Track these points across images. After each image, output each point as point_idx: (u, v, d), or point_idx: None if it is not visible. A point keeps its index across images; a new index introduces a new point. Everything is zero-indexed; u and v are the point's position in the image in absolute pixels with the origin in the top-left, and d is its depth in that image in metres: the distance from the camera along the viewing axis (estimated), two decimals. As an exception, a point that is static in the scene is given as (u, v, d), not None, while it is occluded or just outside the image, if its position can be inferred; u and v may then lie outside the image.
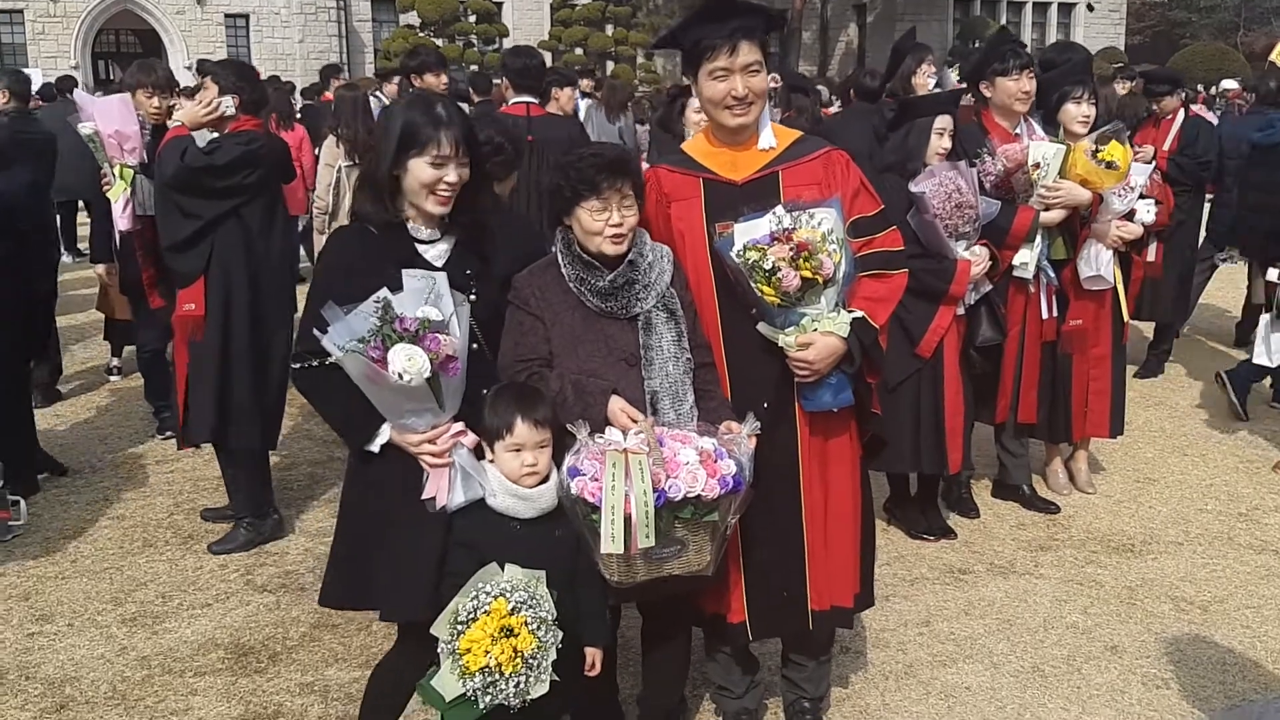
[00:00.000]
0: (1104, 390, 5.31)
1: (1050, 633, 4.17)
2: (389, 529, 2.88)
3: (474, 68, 26.29)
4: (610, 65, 33.09)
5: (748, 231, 3.01)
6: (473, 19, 33.33)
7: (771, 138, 3.19)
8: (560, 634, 2.67)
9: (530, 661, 2.61)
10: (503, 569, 2.81)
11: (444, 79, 7.14)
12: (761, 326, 3.07)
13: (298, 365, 2.87)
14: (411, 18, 33.17)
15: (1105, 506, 5.38)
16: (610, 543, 2.70)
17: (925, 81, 5.88)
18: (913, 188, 4.41)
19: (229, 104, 4.79)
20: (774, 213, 3.00)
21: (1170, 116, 7.12)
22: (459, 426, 2.83)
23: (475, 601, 2.62)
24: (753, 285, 2.97)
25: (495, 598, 2.63)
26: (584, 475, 2.74)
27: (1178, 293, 7.50)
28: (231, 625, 4.21)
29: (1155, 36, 48.61)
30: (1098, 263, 4.93)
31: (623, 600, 3.15)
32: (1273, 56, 16.22)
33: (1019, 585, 4.55)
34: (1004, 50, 4.87)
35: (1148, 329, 7.94)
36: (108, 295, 6.76)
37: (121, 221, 5.27)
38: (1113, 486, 5.63)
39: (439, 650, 2.66)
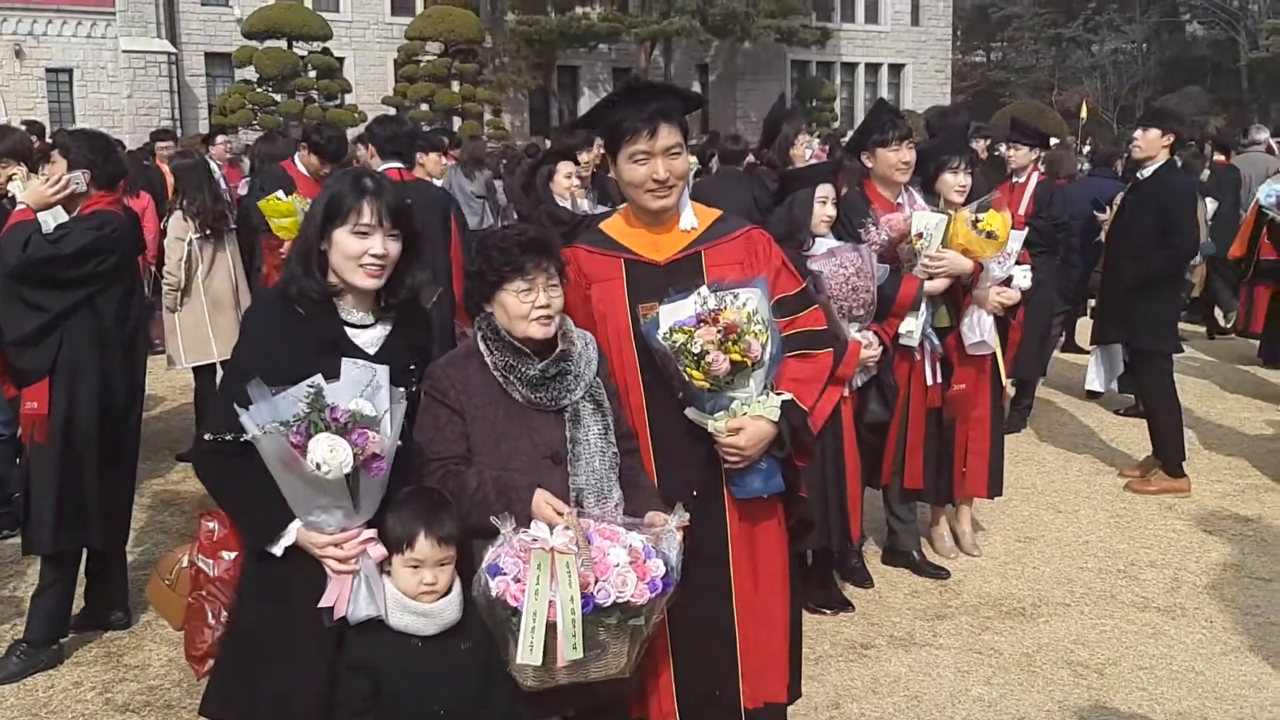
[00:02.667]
0: (983, 451, 5.39)
1: (959, 707, 4.13)
2: (282, 638, 2.64)
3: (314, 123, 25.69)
4: (457, 121, 32.87)
5: (673, 313, 2.92)
6: (313, 74, 32.64)
7: (693, 218, 3.12)
8: None
9: None
10: (402, 695, 2.61)
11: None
12: (690, 411, 2.97)
13: (209, 438, 2.63)
14: (249, 72, 32.26)
15: (992, 569, 5.42)
16: (528, 653, 2.52)
17: (803, 152, 5.92)
18: (812, 264, 4.38)
19: (79, 180, 4.35)
20: (699, 293, 2.92)
21: (1025, 180, 7.37)
22: (370, 533, 2.62)
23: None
24: (681, 369, 2.86)
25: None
26: (505, 575, 2.55)
27: (1037, 350, 7.73)
28: (89, 755, 3.80)
29: (977, 95, 51.37)
30: (981, 328, 5.00)
31: (536, 715, 2.94)
32: (1082, 113, 17.16)
33: (921, 658, 4.51)
34: (884, 121, 4.93)
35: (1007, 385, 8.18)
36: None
37: None
38: (995, 547, 5.70)
39: None
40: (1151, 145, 6.33)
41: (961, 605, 5.01)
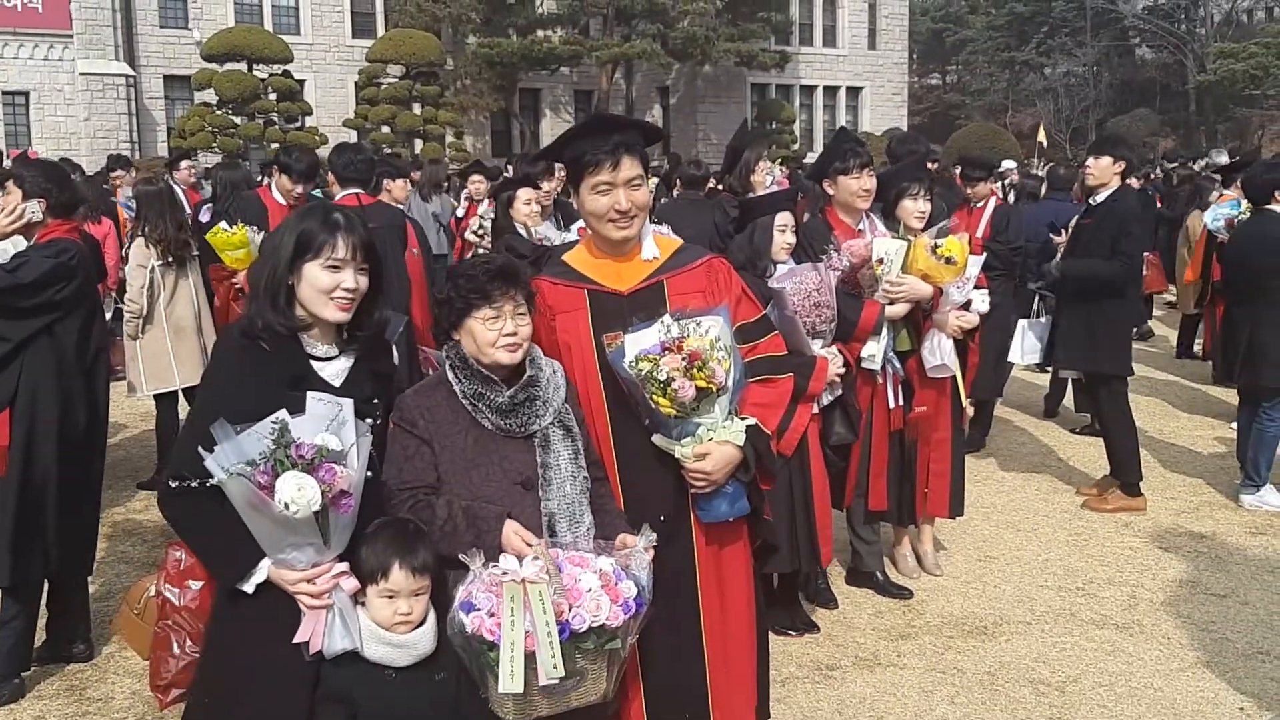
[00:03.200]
0: (944, 472, 5.47)
1: (923, 727, 4.18)
2: (257, 672, 2.63)
3: (275, 146, 25.59)
4: (419, 144, 32.82)
5: (637, 342, 2.98)
6: (273, 97, 32.45)
7: (654, 248, 3.18)
8: None
9: None
10: (377, 715, 2.62)
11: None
12: (656, 438, 3.02)
13: (174, 484, 2.60)
14: (208, 95, 32.04)
15: (954, 588, 5.50)
16: (509, 681, 2.54)
17: (764, 178, 6.00)
18: (773, 284, 4.46)
19: (35, 209, 4.35)
20: (662, 321, 2.99)
21: (982, 204, 7.51)
22: (341, 567, 2.62)
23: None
24: (648, 397, 2.91)
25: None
26: (479, 610, 2.57)
27: (994, 371, 7.84)
28: (52, 791, 3.76)
29: (934, 117, 52.19)
30: (941, 352, 5.08)
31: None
32: (1040, 137, 17.48)
33: (885, 678, 4.56)
34: (845, 149, 5.02)
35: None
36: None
37: None
38: (957, 567, 5.77)
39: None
40: (1104, 172, 6.50)
41: (925, 625, 5.08)
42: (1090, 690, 4.47)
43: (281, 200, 6.95)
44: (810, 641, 4.89)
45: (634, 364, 2.93)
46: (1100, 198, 6.56)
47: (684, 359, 2.88)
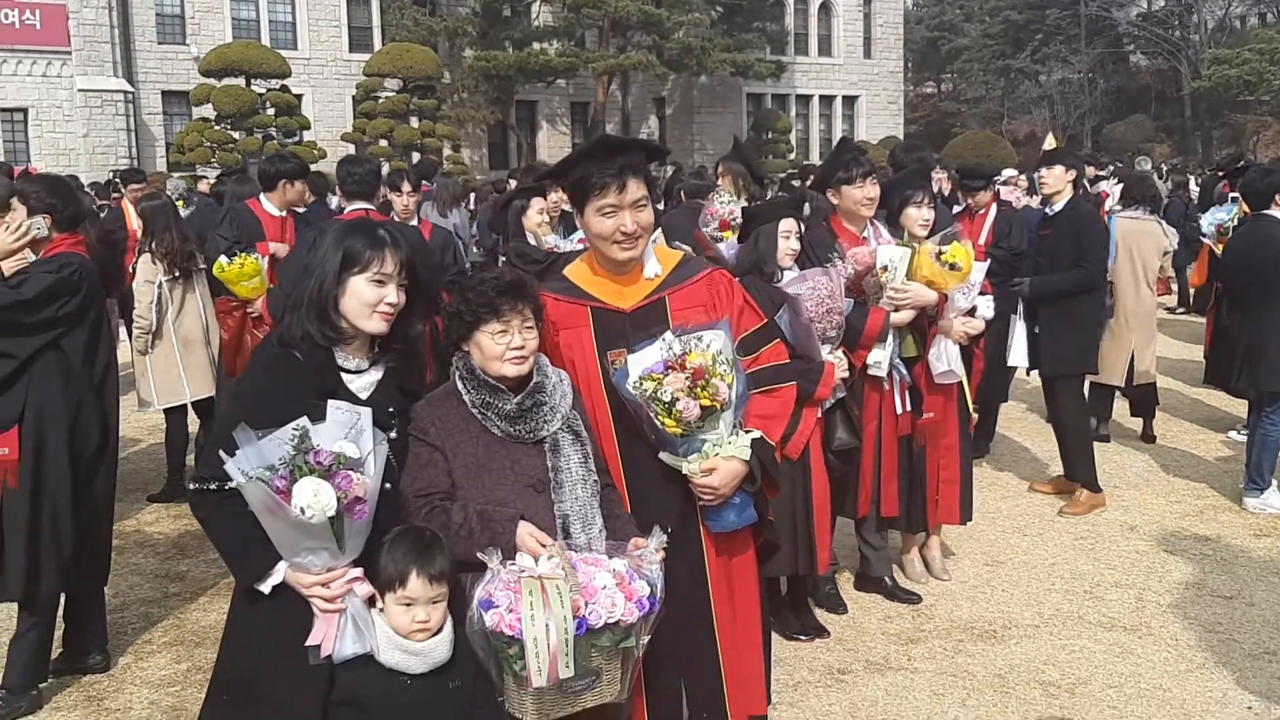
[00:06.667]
0: (954, 478, 5.50)
1: (935, 730, 4.21)
2: (272, 674, 2.68)
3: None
4: (416, 157, 32.88)
5: (640, 361, 3.03)
6: (271, 112, 32.53)
7: (656, 265, 3.23)
8: None
9: None
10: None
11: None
12: (664, 455, 3.07)
13: (195, 487, 2.69)
14: (206, 110, 32.11)
15: (962, 593, 5.53)
16: (537, 676, 2.58)
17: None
18: (788, 289, 4.50)
19: (40, 225, 4.38)
20: (663, 339, 3.03)
21: (984, 211, 7.57)
22: (356, 572, 2.67)
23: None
24: (653, 416, 2.96)
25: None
26: (498, 607, 2.61)
27: (998, 377, 7.88)
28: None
29: (929, 125, 52.31)
30: (948, 358, 5.13)
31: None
32: (1045, 145, 17.52)
33: (897, 681, 4.60)
34: (847, 159, 5.06)
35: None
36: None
37: None
38: (965, 571, 5.81)
39: None
40: (1058, 180, 6.77)
41: (934, 629, 5.11)
42: (1100, 691, 4.50)
43: (275, 213, 7.00)
44: (821, 646, 4.93)
45: (638, 384, 2.97)
46: (1057, 207, 6.80)
47: (687, 378, 2.93)
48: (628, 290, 3.19)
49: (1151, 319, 8.05)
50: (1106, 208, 10.40)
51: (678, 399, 2.91)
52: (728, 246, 5.32)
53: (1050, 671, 4.67)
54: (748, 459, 3.06)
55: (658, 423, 2.96)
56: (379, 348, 2.85)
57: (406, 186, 6.89)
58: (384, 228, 2.83)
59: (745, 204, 5.95)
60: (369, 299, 2.73)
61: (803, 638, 4.96)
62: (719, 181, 6.85)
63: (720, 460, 3.03)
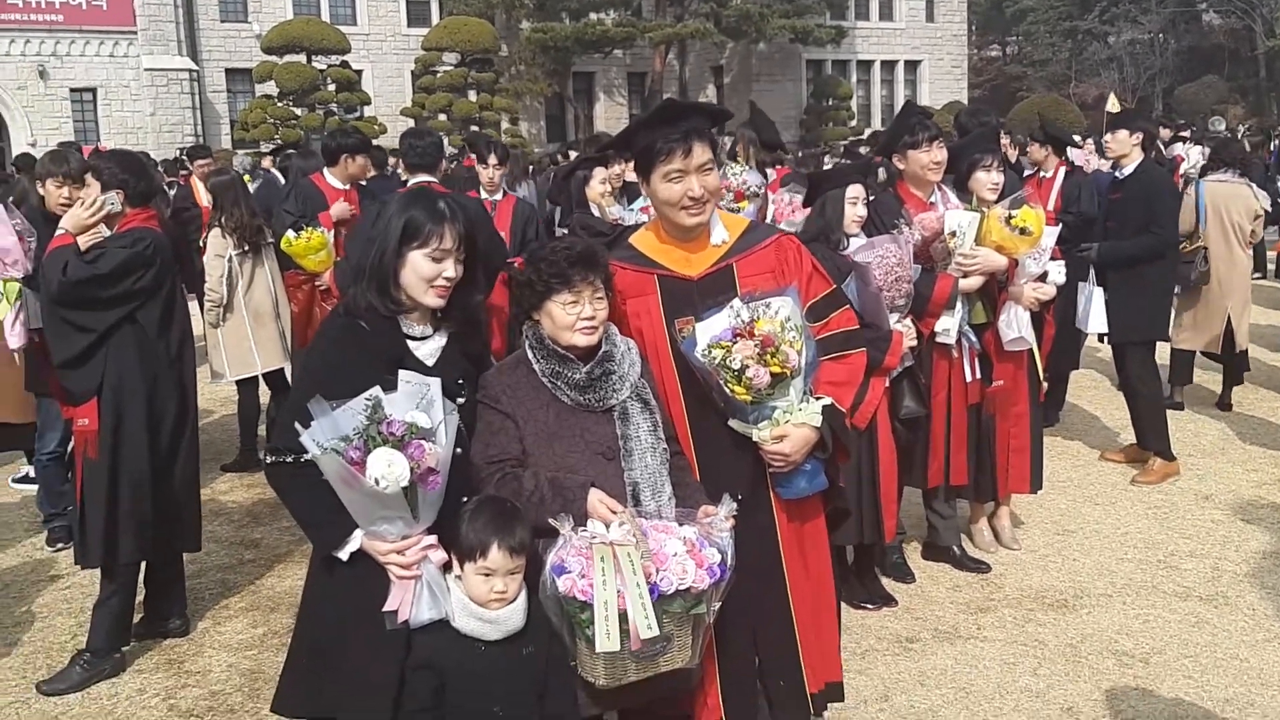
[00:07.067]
0: (1024, 447, 5.42)
1: (1006, 699, 4.18)
2: (350, 638, 2.74)
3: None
4: (475, 131, 33.01)
5: (708, 329, 3.01)
6: (332, 88, 32.87)
7: (723, 231, 3.20)
8: None
9: None
10: (464, 695, 2.68)
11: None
12: (733, 422, 3.06)
13: (271, 459, 2.76)
14: (269, 87, 32.53)
15: (1032, 562, 5.47)
16: (605, 640, 2.61)
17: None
18: (857, 258, 4.45)
19: (114, 200, 4.46)
20: (731, 306, 3.01)
21: (1052, 175, 7.42)
22: (430, 539, 2.72)
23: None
24: (722, 384, 2.95)
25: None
26: (570, 572, 2.65)
27: (1069, 344, 7.75)
28: (158, 760, 3.90)
29: (994, 90, 51.24)
30: (1019, 324, 5.04)
31: (603, 709, 3.03)
32: (1109, 107, 16.98)
33: (967, 650, 4.56)
34: (913, 123, 4.99)
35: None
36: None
37: (12, 339, 4.89)
38: (1035, 541, 5.74)
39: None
40: (1123, 145, 6.62)
41: (1004, 598, 5.06)
42: (1175, 661, 4.43)
43: (339, 186, 7.07)
44: (888, 615, 4.90)
45: (706, 352, 2.96)
46: (1126, 171, 6.63)
47: (756, 345, 2.90)
48: (695, 258, 3.17)
49: (1246, 282, 7.86)
50: (1181, 171, 10.16)
51: (747, 366, 2.90)
52: (747, 216, 5.26)
53: (1124, 641, 4.61)
54: (819, 425, 3.04)
55: (727, 390, 2.95)
56: (440, 314, 2.87)
57: (493, 159, 6.76)
58: (445, 200, 2.84)
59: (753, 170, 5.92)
60: (427, 274, 2.75)
61: (869, 606, 4.94)
62: (735, 149, 6.75)
63: (791, 427, 3.01)
